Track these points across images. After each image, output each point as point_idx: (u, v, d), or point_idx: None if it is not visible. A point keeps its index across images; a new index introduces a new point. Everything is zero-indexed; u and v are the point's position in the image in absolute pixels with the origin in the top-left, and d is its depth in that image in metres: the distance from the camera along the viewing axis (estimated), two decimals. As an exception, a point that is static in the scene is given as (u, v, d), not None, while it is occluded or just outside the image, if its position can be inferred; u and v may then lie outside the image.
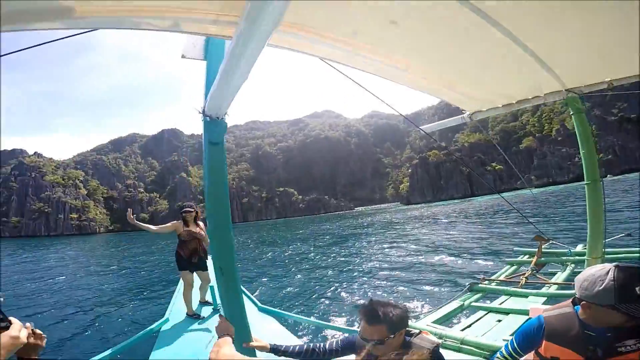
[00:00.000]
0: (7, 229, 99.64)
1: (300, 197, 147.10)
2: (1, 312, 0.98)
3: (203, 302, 4.55)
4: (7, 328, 0.98)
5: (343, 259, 12.86)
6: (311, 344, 1.71)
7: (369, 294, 7.67)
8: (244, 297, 3.18)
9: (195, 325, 3.77)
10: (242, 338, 1.58)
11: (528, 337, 1.44)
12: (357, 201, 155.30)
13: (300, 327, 5.40)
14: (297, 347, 1.69)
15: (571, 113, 3.47)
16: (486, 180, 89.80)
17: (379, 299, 1.42)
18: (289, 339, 3.26)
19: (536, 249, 5.50)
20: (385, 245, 15.76)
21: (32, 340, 1.15)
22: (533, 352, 1.46)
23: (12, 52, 1.32)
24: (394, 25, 1.55)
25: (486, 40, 1.76)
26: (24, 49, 1.34)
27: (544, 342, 1.38)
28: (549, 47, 1.95)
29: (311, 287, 8.95)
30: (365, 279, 9.31)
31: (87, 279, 12.76)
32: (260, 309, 4.45)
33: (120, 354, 3.13)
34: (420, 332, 1.48)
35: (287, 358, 1.72)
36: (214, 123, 1.48)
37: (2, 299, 1.00)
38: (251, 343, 1.63)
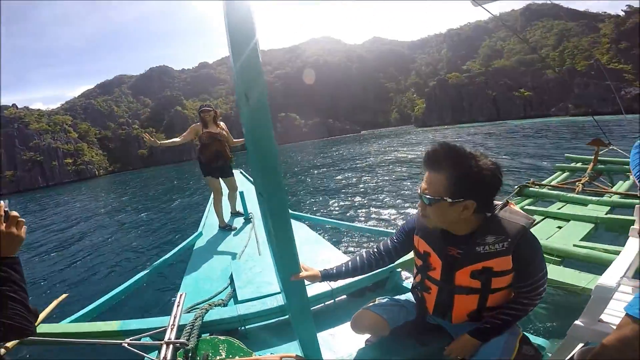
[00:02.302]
0: (4, 185, 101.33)
1: (302, 121, 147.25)
2: None
3: (234, 213, 4.61)
4: None
5: (364, 175, 13.05)
6: (364, 253, 1.46)
7: (396, 199, 7.88)
8: None
9: (228, 237, 3.86)
10: (290, 267, 1.27)
11: None
12: (361, 124, 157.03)
13: (331, 231, 5.43)
14: (350, 264, 1.44)
15: None
16: (515, 105, 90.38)
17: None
18: (321, 244, 3.35)
19: (591, 157, 5.28)
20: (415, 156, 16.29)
21: (3, 228, 0.90)
22: None
23: None
24: None
25: None
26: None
27: None
28: None
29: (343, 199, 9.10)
30: (397, 187, 9.55)
31: (109, 219, 12.41)
32: (292, 216, 4.07)
33: (157, 272, 3.28)
34: (507, 203, 1.19)
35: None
36: None
37: None
38: (301, 274, 1.28)
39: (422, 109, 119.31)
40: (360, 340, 1.65)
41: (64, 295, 2.42)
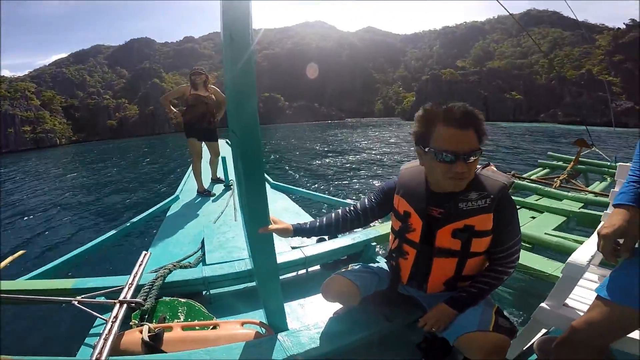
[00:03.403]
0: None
1: (287, 103, 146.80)
2: None
3: (215, 180, 4.68)
4: None
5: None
6: (339, 211, 1.45)
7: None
8: None
9: (206, 202, 3.85)
10: (258, 218, 1.26)
11: None
12: (345, 112, 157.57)
13: (312, 203, 5.67)
14: (325, 220, 1.43)
15: None
16: (506, 107, 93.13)
17: None
18: (301, 215, 3.40)
19: (573, 157, 5.56)
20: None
21: None
22: None
23: None
24: None
25: None
26: None
27: None
28: None
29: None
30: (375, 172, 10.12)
31: (75, 184, 12.14)
32: (273, 186, 4.57)
33: (126, 233, 3.28)
34: (488, 164, 1.28)
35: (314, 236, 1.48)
36: None
37: None
38: (270, 227, 1.26)
39: (411, 101, 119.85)
40: (328, 312, 1.64)
41: (20, 252, 2.34)
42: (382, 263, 1.60)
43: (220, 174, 4.65)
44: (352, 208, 1.46)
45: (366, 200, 1.45)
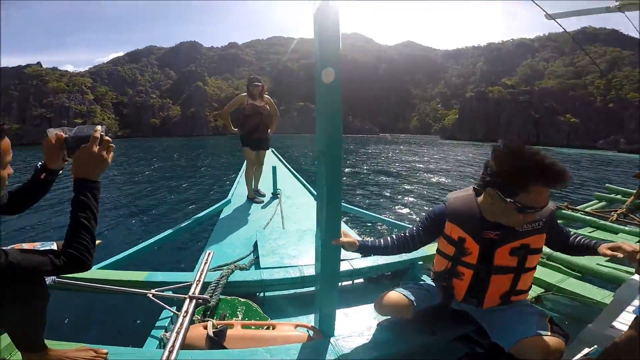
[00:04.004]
0: (9, 137, 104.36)
1: None
2: None
3: (255, 191, 4.74)
4: None
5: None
6: (393, 235, 1.62)
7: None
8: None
9: (255, 208, 4.16)
10: (334, 230, 1.39)
11: None
12: (379, 126, 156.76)
13: (354, 219, 5.75)
14: (382, 242, 1.59)
15: None
16: (559, 131, 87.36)
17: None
18: (344, 228, 3.07)
19: (634, 190, 5.28)
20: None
21: (96, 150, 0.96)
22: None
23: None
24: None
25: None
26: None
27: None
28: None
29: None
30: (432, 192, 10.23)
31: (129, 179, 12.87)
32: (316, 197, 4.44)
33: (184, 231, 3.50)
34: None
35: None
36: None
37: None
38: (341, 239, 1.41)
39: (453, 119, 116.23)
40: (372, 322, 1.74)
41: (97, 242, 2.53)
42: (429, 281, 1.71)
43: (261, 185, 4.80)
44: (402, 234, 1.61)
45: (414, 229, 1.60)
